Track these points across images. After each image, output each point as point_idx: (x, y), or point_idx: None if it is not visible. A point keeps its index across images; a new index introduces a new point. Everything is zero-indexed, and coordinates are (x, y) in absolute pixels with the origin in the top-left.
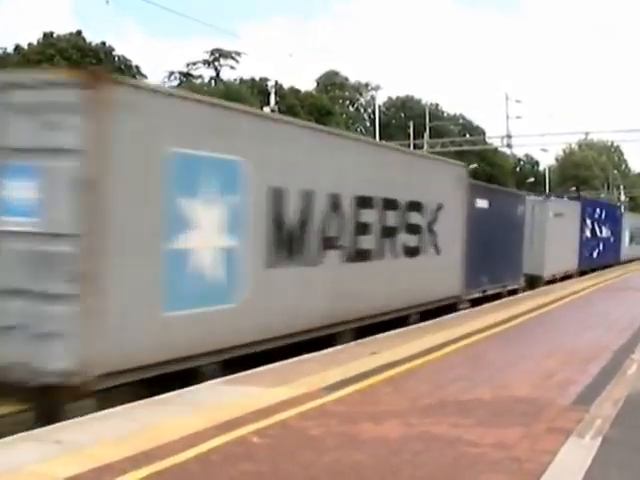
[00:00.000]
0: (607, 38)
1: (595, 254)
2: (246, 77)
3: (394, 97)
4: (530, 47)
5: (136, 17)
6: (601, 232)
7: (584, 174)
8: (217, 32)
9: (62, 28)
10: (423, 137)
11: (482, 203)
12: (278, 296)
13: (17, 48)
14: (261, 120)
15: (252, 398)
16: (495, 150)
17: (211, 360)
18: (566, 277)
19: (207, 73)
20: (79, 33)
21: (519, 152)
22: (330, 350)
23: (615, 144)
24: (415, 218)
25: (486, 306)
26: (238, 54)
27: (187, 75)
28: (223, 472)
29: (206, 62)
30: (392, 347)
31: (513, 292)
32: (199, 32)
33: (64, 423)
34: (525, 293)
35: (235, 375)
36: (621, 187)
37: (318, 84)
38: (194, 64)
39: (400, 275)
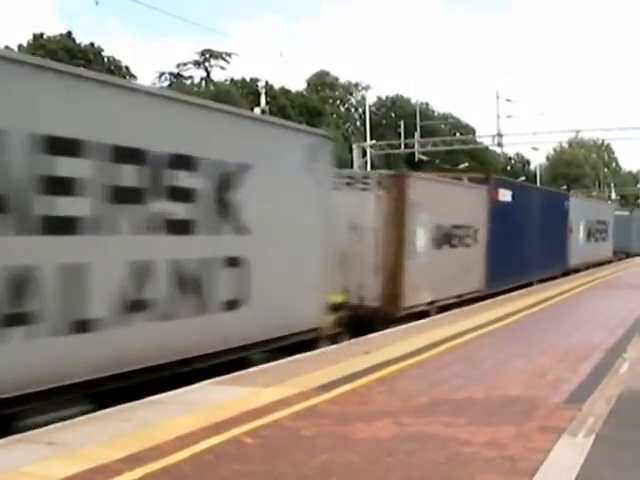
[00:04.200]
0: (598, 36)
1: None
2: (237, 77)
3: (384, 97)
4: (520, 46)
5: (124, 17)
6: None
7: (575, 172)
8: (207, 32)
9: (50, 29)
10: (414, 136)
11: None
12: None
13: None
14: None
15: (246, 398)
16: (486, 149)
17: None
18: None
19: (197, 74)
20: (69, 34)
21: (510, 151)
22: (323, 350)
23: (606, 142)
24: None
25: (480, 304)
26: (228, 54)
27: (177, 76)
28: (216, 472)
29: (196, 63)
30: (385, 346)
31: None
32: (189, 32)
33: (57, 425)
34: None
35: (229, 375)
36: (612, 185)
37: (309, 84)
38: (184, 65)
39: None
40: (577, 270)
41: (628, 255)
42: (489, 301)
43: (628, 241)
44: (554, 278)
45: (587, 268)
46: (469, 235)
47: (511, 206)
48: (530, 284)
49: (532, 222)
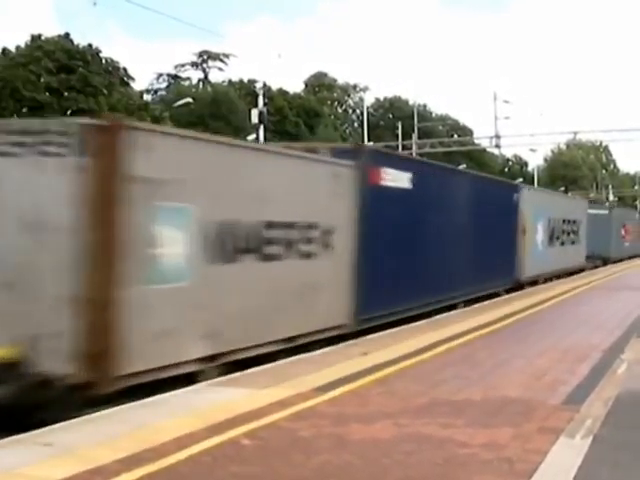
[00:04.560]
0: (597, 37)
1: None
2: (234, 79)
3: (382, 98)
4: (518, 47)
5: (122, 18)
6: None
7: (573, 174)
8: (205, 33)
9: (48, 30)
10: (411, 138)
11: None
12: None
13: (4, 51)
14: None
15: (244, 399)
16: (483, 150)
17: None
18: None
19: (195, 75)
20: (67, 35)
21: (508, 152)
22: (322, 351)
23: (604, 144)
24: None
25: (478, 306)
26: (226, 56)
27: (175, 77)
28: (214, 474)
29: (194, 64)
30: (383, 347)
31: None
32: (187, 33)
33: (55, 426)
34: None
35: (228, 376)
36: (609, 187)
37: (306, 85)
38: (182, 66)
39: None
40: (534, 283)
41: (606, 262)
42: (486, 302)
43: (606, 245)
44: (496, 296)
45: (550, 279)
46: (312, 239)
47: (409, 195)
48: (453, 307)
49: (452, 220)
